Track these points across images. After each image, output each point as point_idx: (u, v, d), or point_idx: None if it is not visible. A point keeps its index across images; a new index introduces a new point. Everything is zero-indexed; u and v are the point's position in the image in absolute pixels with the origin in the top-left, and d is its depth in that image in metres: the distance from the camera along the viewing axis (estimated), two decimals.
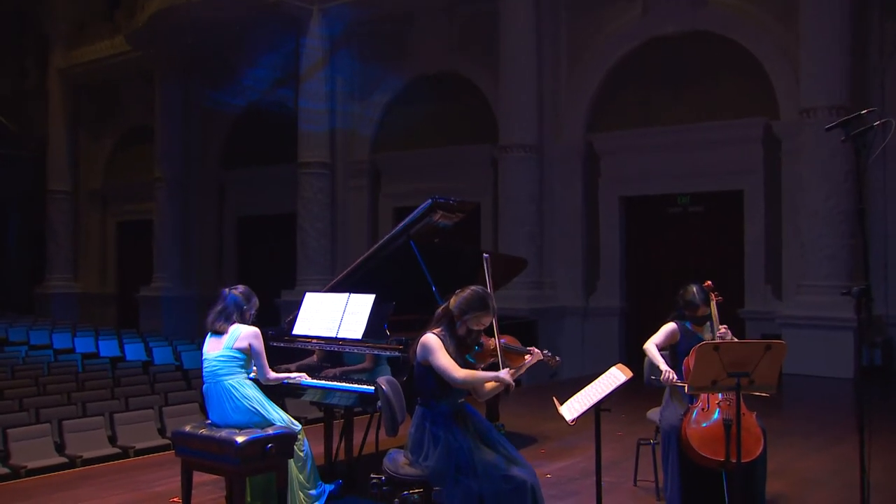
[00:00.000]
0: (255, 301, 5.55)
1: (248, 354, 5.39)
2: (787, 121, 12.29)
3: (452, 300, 4.44)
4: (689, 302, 5.64)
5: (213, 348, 5.42)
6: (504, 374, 4.29)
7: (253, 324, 5.49)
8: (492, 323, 4.48)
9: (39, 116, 23.62)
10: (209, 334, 5.49)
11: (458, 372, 4.23)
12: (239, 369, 5.38)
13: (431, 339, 4.30)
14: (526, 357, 4.63)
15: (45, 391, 10.11)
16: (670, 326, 5.72)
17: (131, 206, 22.13)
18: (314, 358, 6.13)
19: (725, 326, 5.65)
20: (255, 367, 5.59)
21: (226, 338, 5.39)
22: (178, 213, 20.09)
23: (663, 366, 5.49)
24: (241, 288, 5.55)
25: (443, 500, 4.22)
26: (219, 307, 5.46)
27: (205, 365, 5.45)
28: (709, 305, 5.63)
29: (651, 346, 5.65)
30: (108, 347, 15.12)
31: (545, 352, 4.71)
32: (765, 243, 12.62)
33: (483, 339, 4.60)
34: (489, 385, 4.52)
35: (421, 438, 4.29)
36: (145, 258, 20.63)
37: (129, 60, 21.09)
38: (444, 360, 4.23)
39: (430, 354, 4.26)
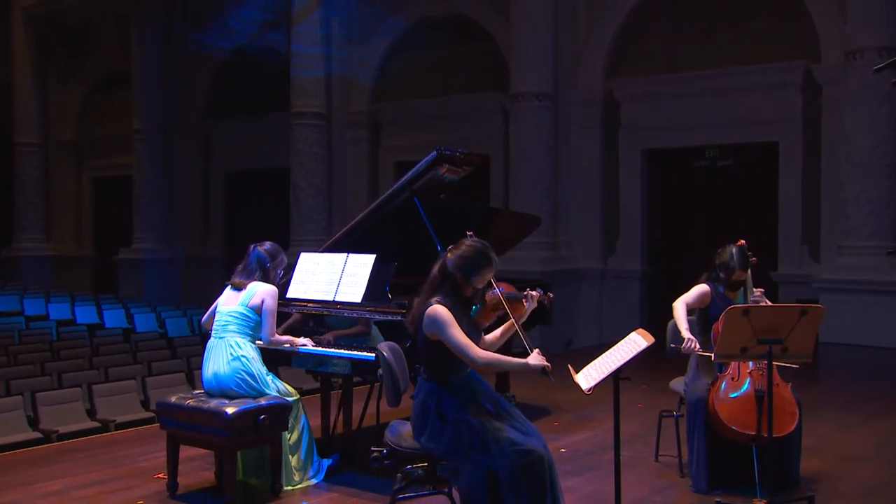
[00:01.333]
0: (283, 259, 5.76)
1: (259, 314, 5.51)
2: (829, 64, 12.19)
3: (448, 257, 4.42)
4: (725, 264, 5.68)
5: (229, 302, 5.63)
6: (534, 359, 4.27)
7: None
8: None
9: (3, 60, 23.49)
10: (228, 287, 5.69)
11: (479, 353, 4.23)
12: (248, 330, 5.58)
13: (441, 311, 4.25)
14: (525, 303, 4.70)
15: (17, 361, 10.18)
16: (703, 287, 5.77)
17: (108, 160, 22.09)
18: (295, 318, 6.20)
19: (761, 291, 5.68)
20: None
21: (243, 294, 5.59)
22: (160, 167, 20.09)
23: (686, 331, 5.52)
24: (267, 244, 5.76)
25: (450, 477, 4.28)
26: (242, 264, 5.71)
27: (217, 317, 5.61)
28: (746, 270, 5.66)
29: (680, 305, 5.68)
30: (86, 314, 15.20)
31: (538, 290, 4.76)
32: (802, 200, 12.59)
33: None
34: (491, 337, 4.60)
35: (425, 419, 4.32)
36: (125, 217, 20.66)
37: None
38: (459, 337, 4.22)
39: (442, 331, 4.22)
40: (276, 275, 5.72)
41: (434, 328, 4.26)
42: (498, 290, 4.57)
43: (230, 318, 5.56)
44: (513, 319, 4.55)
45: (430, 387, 4.36)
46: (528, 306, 4.69)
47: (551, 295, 4.96)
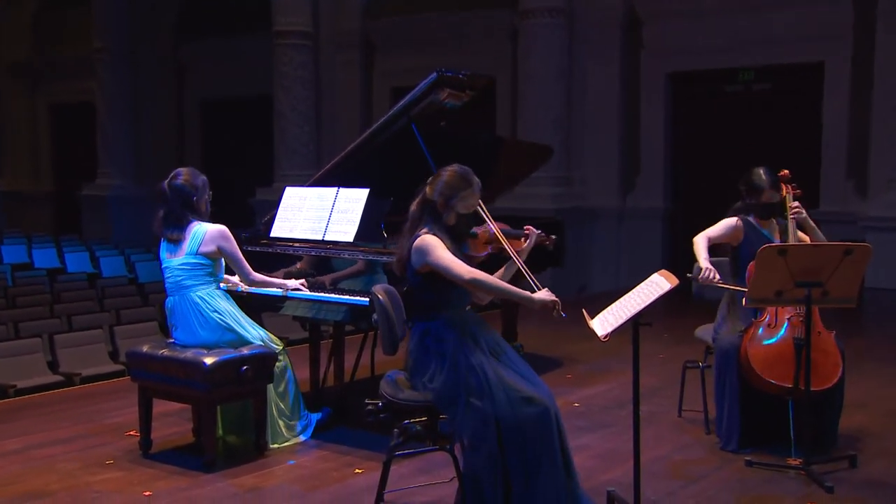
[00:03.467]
0: (204, 181, 5.57)
1: (214, 258, 5.47)
2: None
3: (428, 189, 4.52)
4: (752, 185, 5.68)
5: (174, 254, 5.51)
6: (543, 294, 4.36)
7: (220, 215, 5.58)
8: (480, 209, 4.59)
9: None
10: (163, 242, 5.56)
11: (464, 269, 4.31)
12: (207, 277, 5.49)
13: (428, 238, 4.37)
14: (523, 240, 4.83)
15: None
16: (731, 220, 5.75)
17: (67, 85, 21.89)
18: (298, 265, 6.21)
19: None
20: (226, 274, 5.70)
21: (187, 242, 5.46)
22: (127, 93, 19.95)
23: (703, 261, 5.49)
24: (181, 174, 5.54)
25: (450, 430, 4.32)
26: (162, 212, 5.49)
27: (166, 274, 5.55)
28: (778, 190, 5.64)
29: (700, 238, 5.67)
30: (45, 257, 15.25)
31: (538, 231, 4.89)
32: (848, 129, 12.52)
33: (475, 228, 4.76)
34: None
35: (424, 358, 4.38)
36: (88, 149, 20.59)
37: None
38: (445, 256, 4.32)
39: (427, 255, 4.33)
40: (206, 202, 5.56)
41: (422, 257, 4.35)
42: (490, 227, 4.65)
43: (182, 272, 5.47)
44: (512, 254, 4.57)
45: (425, 326, 4.44)
46: (528, 243, 4.80)
47: (553, 237, 5.04)
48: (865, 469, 5.24)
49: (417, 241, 4.38)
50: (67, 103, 22.26)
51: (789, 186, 5.72)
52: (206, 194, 5.57)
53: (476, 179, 4.53)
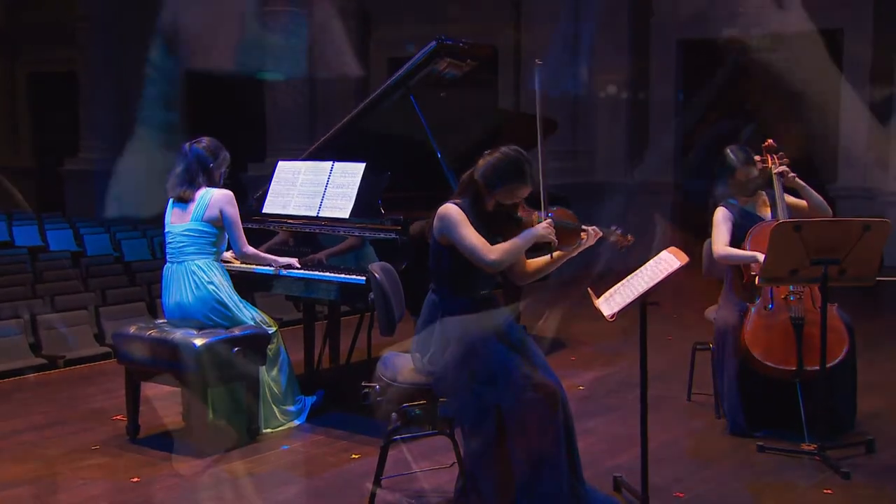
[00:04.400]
0: (225, 155, 5.75)
1: (219, 227, 5.53)
2: None
3: (480, 162, 4.37)
4: (727, 168, 5.76)
5: (179, 220, 5.62)
6: (541, 227, 4.25)
7: (225, 186, 5.64)
8: (537, 192, 4.43)
9: None
10: (171, 202, 5.67)
11: (490, 252, 4.19)
12: (210, 247, 5.59)
13: (452, 210, 4.27)
14: (582, 235, 4.48)
15: None
16: (720, 213, 5.79)
17: (47, 54, 21.75)
18: (281, 238, 6.22)
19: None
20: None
21: (193, 206, 5.57)
22: (110, 62, 19.83)
23: (759, 255, 5.41)
24: (204, 140, 5.72)
25: (451, 414, 4.34)
26: (179, 168, 5.65)
27: (168, 239, 5.65)
28: (752, 164, 5.68)
29: (724, 249, 5.67)
30: (26, 234, 15.21)
31: (613, 228, 4.55)
32: (869, 98, 12.48)
33: (522, 212, 4.47)
34: (534, 263, 4.49)
35: (430, 335, 4.37)
36: (69, 121, 20.51)
37: None
38: (469, 236, 4.21)
39: (450, 230, 4.25)
40: (220, 175, 5.72)
41: (443, 228, 4.28)
42: (546, 214, 4.38)
43: (185, 239, 5.56)
44: (557, 251, 4.36)
45: (436, 300, 4.41)
46: (582, 243, 4.48)
47: (630, 237, 4.62)
48: (883, 454, 5.26)
49: (441, 209, 4.31)
50: (46, 72, 22.14)
51: (775, 157, 5.75)
52: (223, 167, 5.75)
53: (530, 171, 4.31)
